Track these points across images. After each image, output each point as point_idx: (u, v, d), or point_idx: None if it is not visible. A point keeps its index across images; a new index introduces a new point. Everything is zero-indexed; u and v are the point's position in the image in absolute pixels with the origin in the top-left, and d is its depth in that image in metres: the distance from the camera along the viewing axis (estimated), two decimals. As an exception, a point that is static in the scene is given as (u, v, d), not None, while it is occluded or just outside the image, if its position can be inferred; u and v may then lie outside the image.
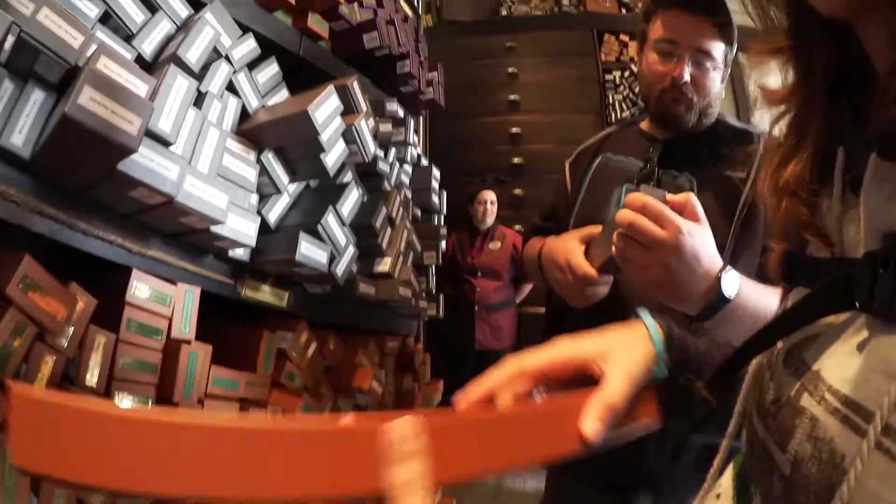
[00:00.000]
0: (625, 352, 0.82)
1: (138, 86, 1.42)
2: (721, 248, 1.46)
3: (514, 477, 5.87)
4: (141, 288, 1.63)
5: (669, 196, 1.34)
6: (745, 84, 7.46)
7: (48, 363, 1.38)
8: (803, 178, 0.69)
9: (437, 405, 3.85)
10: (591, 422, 0.73)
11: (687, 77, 1.87)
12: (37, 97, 1.36)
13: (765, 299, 1.34)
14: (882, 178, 0.54)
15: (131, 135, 1.32)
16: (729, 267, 1.38)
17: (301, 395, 2.29)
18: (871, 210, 0.56)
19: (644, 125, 2.16)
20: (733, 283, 1.36)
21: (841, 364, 0.57)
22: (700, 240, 1.33)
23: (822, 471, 0.53)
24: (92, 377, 1.49)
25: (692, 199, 1.35)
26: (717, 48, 1.86)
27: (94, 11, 1.56)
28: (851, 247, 0.61)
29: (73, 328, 1.44)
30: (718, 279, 1.35)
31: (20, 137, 1.33)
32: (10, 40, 1.28)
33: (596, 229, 1.75)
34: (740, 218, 1.77)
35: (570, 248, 1.78)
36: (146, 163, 1.44)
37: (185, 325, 1.77)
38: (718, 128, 1.98)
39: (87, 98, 1.24)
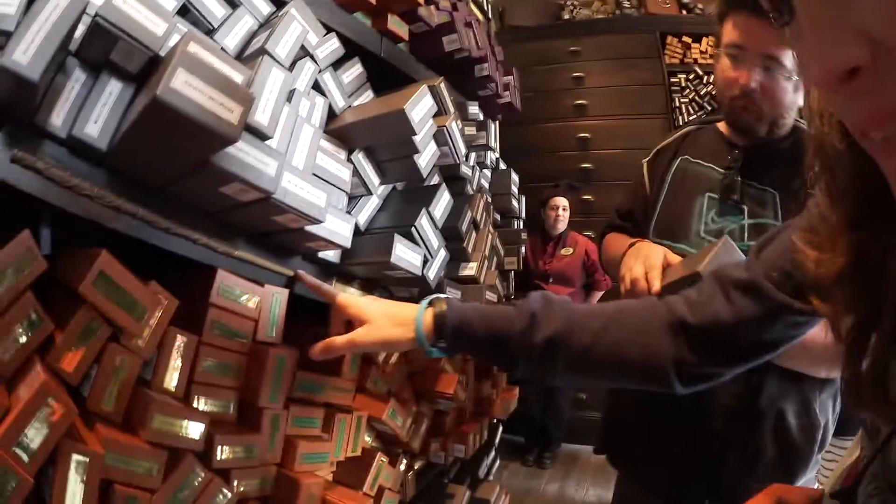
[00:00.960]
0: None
1: (233, 75, 1.34)
2: None
3: (577, 486, 5.87)
4: (226, 289, 1.60)
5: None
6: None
7: (123, 365, 1.34)
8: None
9: (513, 411, 3.84)
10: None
11: (754, 84, 1.84)
12: (113, 87, 1.30)
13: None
14: None
15: (232, 123, 1.24)
16: None
17: (387, 400, 2.26)
18: None
19: (722, 127, 2.14)
20: None
21: None
22: None
23: None
24: (171, 380, 1.47)
25: None
26: (789, 56, 1.79)
27: (171, 4, 1.53)
28: None
29: (150, 329, 1.41)
30: None
31: (95, 128, 1.27)
32: (81, 28, 1.23)
33: (676, 259, 1.82)
34: None
35: (657, 257, 1.83)
36: (242, 156, 1.37)
37: (272, 327, 1.74)
38: (801, 138, 1.91)
39: (181, 81, 1.16)
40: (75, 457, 1.16)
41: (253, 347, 1.68)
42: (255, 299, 1.67)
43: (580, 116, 7.21)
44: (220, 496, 1.52)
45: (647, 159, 2.29)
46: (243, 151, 1.37)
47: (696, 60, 7.32)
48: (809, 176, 0.74)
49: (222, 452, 1.54)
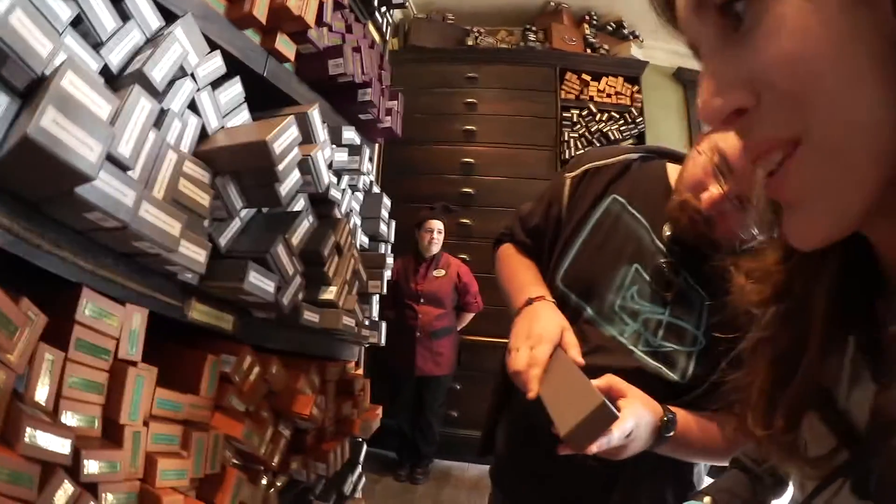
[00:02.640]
0: None
1: (102, 106, 1.39)
2: (716, 384, 1.50)
3: (450, 501, 5.93)
4: (90, 307, 1.62)
5: (594, 383, 1.49)
6: (701, 128, 7.63)
7: None
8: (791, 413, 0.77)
9: (376, 431, 3.88)
10: None
11: (712, 204, 1.62)
12: (2, 101, 1.33)
13: (698, 430, 1.51)
14: None
15: (91, 162, 1.31)
16: (670, 413, 1.57)
17: (243, 419, 2.29)
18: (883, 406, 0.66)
19: (672, 171, 1.92)
20: (671, 429, 1.56)
21: None
22: (643, 417, 1.51)
23: None
24: (41, 395, 1.48)
25: (613, 380, 1.55)
26: None
27: (66, 14, 1.55)
28: (855, 422, 0.72)
29: (21, 345, 1.42)
30: (659, 426, 1.55)
31: None
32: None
33: (573, 347, 1.63)
34: None
35: (547, 333, 1.64)
36: (103, 187, 1.42)
37: (132, 346, 1.76)
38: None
39: (49, 120, 1.22)
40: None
41: (115, 365, 1.70)
42: (117, 318, 1.70)
43: (467, 141, 7.33)
44: None
45: (572, 174, 2.03)
46: (104, 182, 1.42)
47: (591, 98, 7.55)
48: None
49: (89, 467, 1.56)
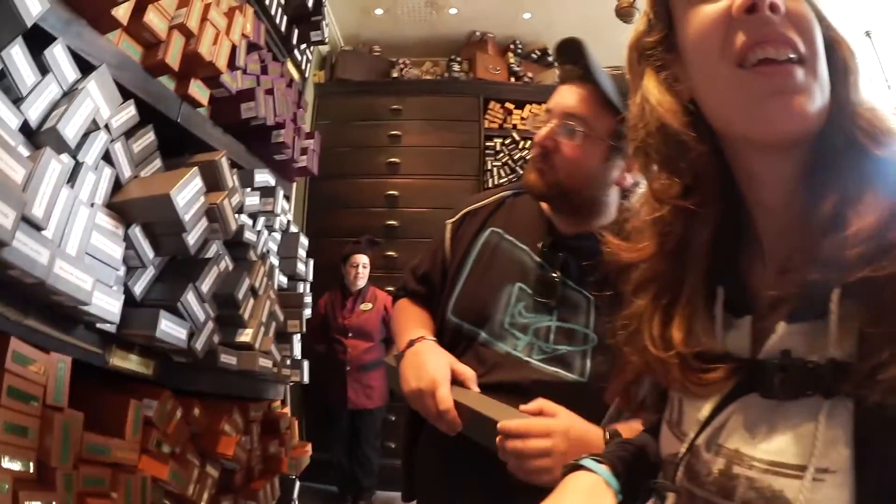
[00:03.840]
0: None
1: (16, 170, 1.45)
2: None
3: None
4: (19, 356, 1.66)
5: (523, 407, 1.58)
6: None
7: None
8: (686, 334, 0.96)
9: (307, 468, 3.89)
10: None
11: (547, 140, 1.82)
12: None
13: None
14: (789, 330, 0.85)
15: (6, 228, 1.37)
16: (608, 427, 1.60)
17: (168, 461, 2.32)
18: (777, 341, 0.85)
19: (543, 203, 2.01)
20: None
21: (755, 442, 0.87)
22: (572, 424, 1.56)
23: (770, 502, 0.83)
24: None
25: (543, 404, 1.59)
26: (599, 119, 1.76)
27: None
28: (735, 352, 0.92)
29: None
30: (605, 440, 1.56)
31: None
32: None
33: (468, 374, 1.74)
34: None
35: (439, 373, 1.71)
36: (19, 247, 1.48)
37: (59, 393, 1.80)
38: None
39: None
40: None
41: (44, 411, 1.74)
42: (43, 366, 1.74)
43: (392, 174, 7.28)
44: None
45: (451, 220, 2.15)
46: (20, 241, 1.48)
47: (514, 126, 7.58)
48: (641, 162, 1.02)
49: None
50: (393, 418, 6.45)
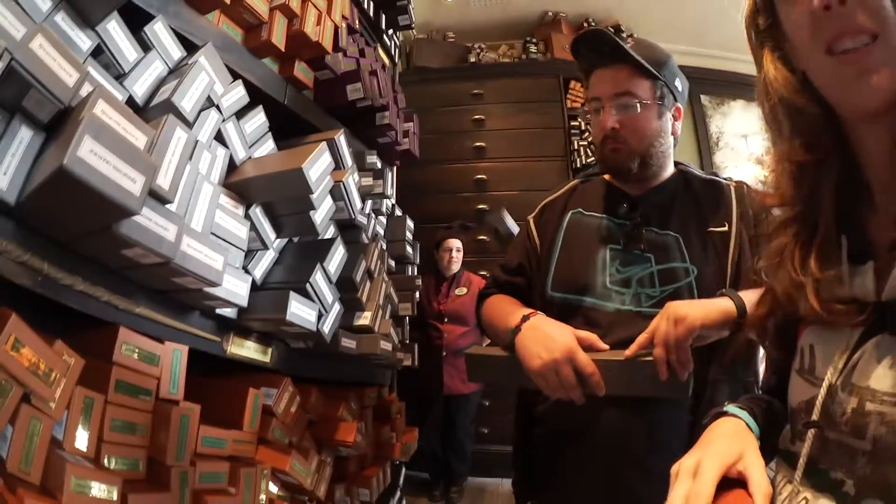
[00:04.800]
0: (750, 449, 1.08)
1: (137, 137, 1.36)
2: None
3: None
4: (129, 347, 1.60)
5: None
6: (707, 125, 7.61)
7: (36, 427, 1.32)
8: (821, 268, 1.02)
9: (413, 453, 3.86)
10: None
11: (612, 123, 1.93)
12: (24, 135, 1.29)
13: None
14: None
15: (134, 195, 1.27)
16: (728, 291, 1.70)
17: (289, 452, 2.27)
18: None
19: (609, 177, 2.17)
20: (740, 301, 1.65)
21: (883, 377, 0.91)
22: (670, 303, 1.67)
23: None
24: (81, 441, 1.46)
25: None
26: (640, 86, 1.93)
27: (86, 44, 1.54)
28: (862, 297, 0.96)
29: (59, 391, 1.39)
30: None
31: (5, 180, 1.25)
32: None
33: (596, 340, 1.74)
34: (734, 269, 1.85)
35: (571, 341, 1.71)
36: (143, 222, 1.38)
37: (174, 385, 1.74)
38: (689, 182, 2.04)
39: (87, 150, 1.17)
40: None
41: (157, 405, 1.68)
42: (157, 357, 1.68)
43: (479, 158, 7.24)
44: None
45: (532, 215, 2.27)
46: (144, 217, 1.38)
47: (597, 105, 7.44)
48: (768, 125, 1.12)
49: None
50: (487, 403, 6.41)
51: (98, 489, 1.39)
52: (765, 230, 1.22)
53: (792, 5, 0.99)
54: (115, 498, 1.42)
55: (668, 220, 1.97)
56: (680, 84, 2.03)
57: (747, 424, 1.15)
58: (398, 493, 4.00)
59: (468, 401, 6.24)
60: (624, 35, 8.06)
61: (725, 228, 1.91)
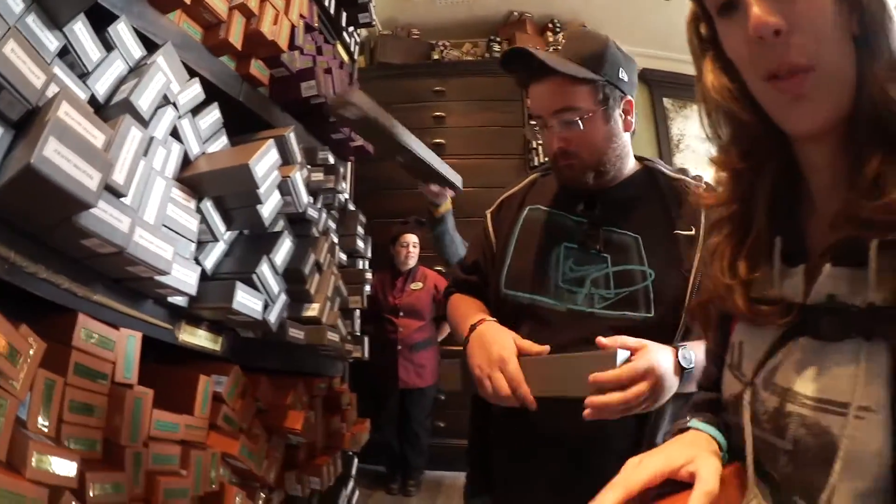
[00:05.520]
0: (705, 453, 1.09)
1: (96, 136, 1.44)
2: (680, 301, 1.77)
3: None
4: (87, 332, 1.66)
5: (602, 340, 1.58)
6: (668, 127, 7.71)
7: (2, 407, 1.37)
8: (750, 269, 1.08)
9: (364, 446, 3.92)
10: None
11: (558, 143, 1.90)
12: None
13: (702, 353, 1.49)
14: (832, 274, 0.92)
15: (91, 190, 1.36)
16: (682, 345, 1.65)
17: (238, 437, 2.33)
18: (822, 284, 0.93)
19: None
20: (690, 358, 1.62)
21: (805, 380, 0.95)
22: (661, 358, 1.57)
23: (817, 439, 0.91)
24: (43, 420, 1.51)
25: (621, 338, 1.58)
26: (579, 97, 1.84)
27: (53, 45, 1.61)
28: (790, 298, 0.99)
29: (24, 372, 1.44)
30: (681, 368, 1.61)
31: None
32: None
33: (533, 348, 1.72)
34: (697, 276, 1.77)
35: (506, 350, 1.72)
36: (99, 214, 1.47)
37: (128, 369, 1.80)
38: (655, 179, 2.00)
39: (51, 150, 1.26)
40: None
41: (112, 388, 1.74)
42: (113, 342, 1.74)
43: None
44: None
45: (490, 210, 2.24)
46: (100, 209, 1.48)
47: (557, 105, 7.52)
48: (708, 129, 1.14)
49: (94, 489, 1.59)
50: (443, 397, 6.47)
51: (58, 466, 1.44)
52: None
53: (728, 27, 1.01)
54: (73, 475, 1.48)
55: (628, 219, 1.92)
56: (625, 72, 1.92)
57: (713, 437, 1.17)
58: (351, 484, 4.05)
59: (423, 395, 6.28)
60: (559, 28, 8.16)
61: (692, 232, 1.84)
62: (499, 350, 1.72)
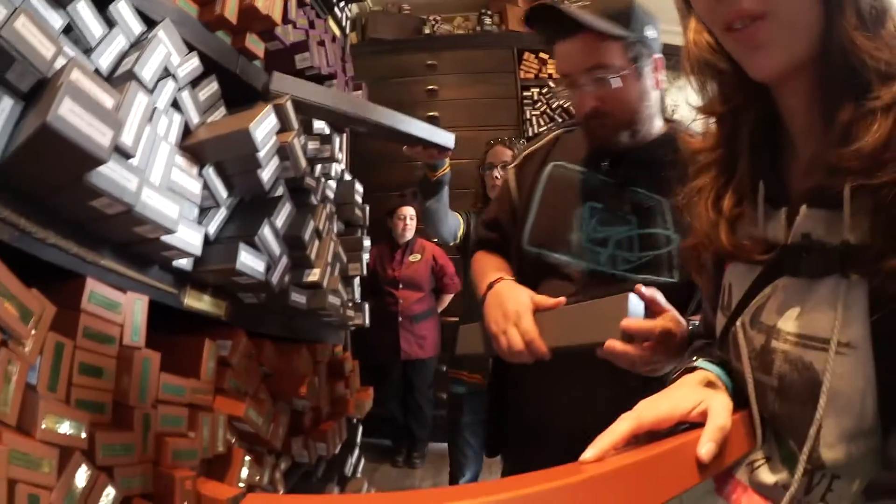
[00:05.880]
0: (715, 394, 1.10)
1: (105, 100, 1.49)
2: None
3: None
4: (95, 296, 1.69)
5: (639, 291, 1.54)
6: (662, 97, 7.74)
7: (13, 370, 1.40)
8: (734, 207, 1.12)
9: (368, 412, 3.97)
10: (707, 444, 0.97)
11: (592, 102, 1.86)
12: (5, 105, 1.41)
13: None
14: (808, 216, 0.97)
15: (104, 146, 1.40)
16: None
17: (244, 399, 2.38)
18: (799, 224, 0.98)
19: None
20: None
21: (788, 317, 1.00)
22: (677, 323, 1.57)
23: (801, 375, 0.97)
24: (54, 383, 1.54)
25: (652, 292, 1.56)
26: (611, 53, 1.80)
27: (58, 22, 1.65)
28: (773, 240, 1.04)
29: (35, 333, 1.47)
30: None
31: None
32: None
33: (548, 301, 1.72)
34: None
35: (521, 305, 1.73)
36: (109, 174, 1.52)
37: (136, 332, 1.84)
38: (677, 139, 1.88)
39: (66, 109, 1.30)
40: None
41: (121, 351, 1.78)
42: (120, 305, 1.78)
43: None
44: (108, 492, 1.61)
45: (513, 165, 2.24)
46: (110, 169, 1.53)
47: (550, 75, 7.61)
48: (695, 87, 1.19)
49: (104, 450, 1.64)
50: (444, 369, 6.51)
51: (68, 426, 1.49)
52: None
53: None
54: (83, 436, 1.53)
55: (654, 181, 1.84)
56: (652, 30, 1.88)
57: (719, 377, 1.18)
58: (356, 451, 4.12)
59: (425, 365, 6.36)
60: None
61: None
62: (514, 306, 1.74)
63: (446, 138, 2.91)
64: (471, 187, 3.03)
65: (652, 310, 1.56)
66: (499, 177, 3.84)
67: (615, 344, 1.49)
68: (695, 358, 1.25)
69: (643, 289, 1.54)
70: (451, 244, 3.83)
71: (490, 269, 2.07)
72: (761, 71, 1.00)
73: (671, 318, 1.55)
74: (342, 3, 4.50)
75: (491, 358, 2.15)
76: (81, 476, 1.53)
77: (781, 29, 0.94)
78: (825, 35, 0.94)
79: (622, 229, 1.89)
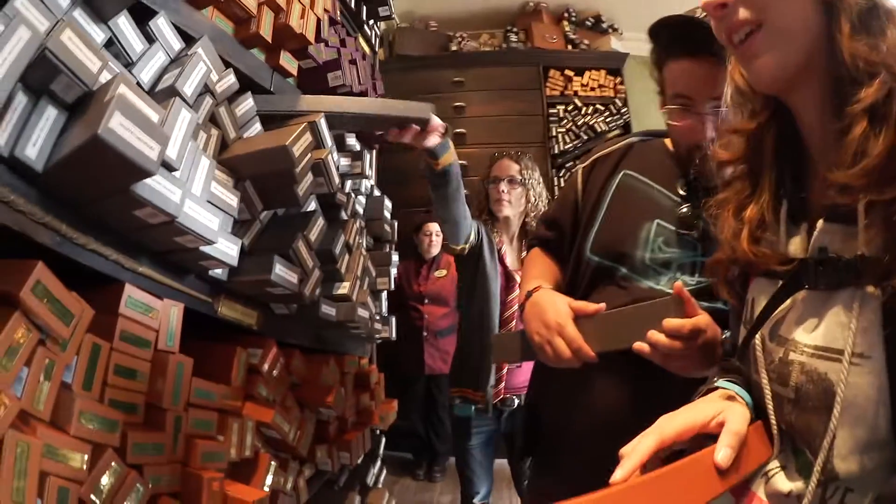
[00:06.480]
0: (732, 405, 1.14)
1: (151, 115, 1.53)
2: None
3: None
4: (132, 301, 1.76)
5: (679, 290, 1.59)
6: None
7: (52, 369, 1.46)
8: (757, 218, 1.16)
9: (392, 424, 4.02)
10: (723, 449, 1.02)
11: (712, 133, 1.79)
12: (50, 114, 1.45)
13: None
14: (825, 230, 1.01)
15: (152, 160, 1.45)
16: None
17: (272, 407, 2.44)
18: (817, 239, 1.01)
19: (669, 143, 2.06)
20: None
21: (805, 329, 1.03)
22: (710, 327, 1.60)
23: (817, 385, 0.98)
24: (89, 383, 1.60)
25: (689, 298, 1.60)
26: (724, 85, 1.56)
27: (100, 37, 1.72)
28: (793, 253, 1.07)
29: (74, 334, 1.53)
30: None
31: (34, 150, 1.41)
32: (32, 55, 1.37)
33: (589, 308, 1.75)
34: None
35: (561, 315, 1.76)
36: (154, 185, 1.57)
37: (170, 338, 1.91)
38: None
39: (116, 123, 1.35)
40: (19, 445, 1.31)
41: (155, 355, 1.84)
42: (157, 312, 1.84)
43: (459, 144, 7.10)
44: (137, 489, 1.66)
45: (583, 165, 2.20)
46: (155, 181, 1.58)
47: (576, 93, 7.72)
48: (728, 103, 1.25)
49: (135, 448, 1.70)
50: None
51: (102, 424, 1.56)
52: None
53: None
54: (116, 433, 1.59)
55: None
56: None
57: (738, 394, 1.20)
58: (379, 462, 4.17)
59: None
60: (604, 26, 8.23)
61: None
62: (554, 316, 1.78)
63: (421, 109, 2.64)
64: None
65: (687, 311, 1.59)
66: (505, 191, 3.70)
67: (659, 336, 1.56)
68: (716, 379, 1.28)
69: (682, 288, 1.59)
70: (458, 248, 3.47)
71: (532, 274, 2.13)
72: (759, 78, 1.07)
73: (706, 319, 1.59)
74: (371, 22, 4.56)
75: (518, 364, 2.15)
76: (112, 472, 1.59)
77: (776, 37, 1.01)
78: (826, 44, 1.00)
79: (687, 253, 1.91)
